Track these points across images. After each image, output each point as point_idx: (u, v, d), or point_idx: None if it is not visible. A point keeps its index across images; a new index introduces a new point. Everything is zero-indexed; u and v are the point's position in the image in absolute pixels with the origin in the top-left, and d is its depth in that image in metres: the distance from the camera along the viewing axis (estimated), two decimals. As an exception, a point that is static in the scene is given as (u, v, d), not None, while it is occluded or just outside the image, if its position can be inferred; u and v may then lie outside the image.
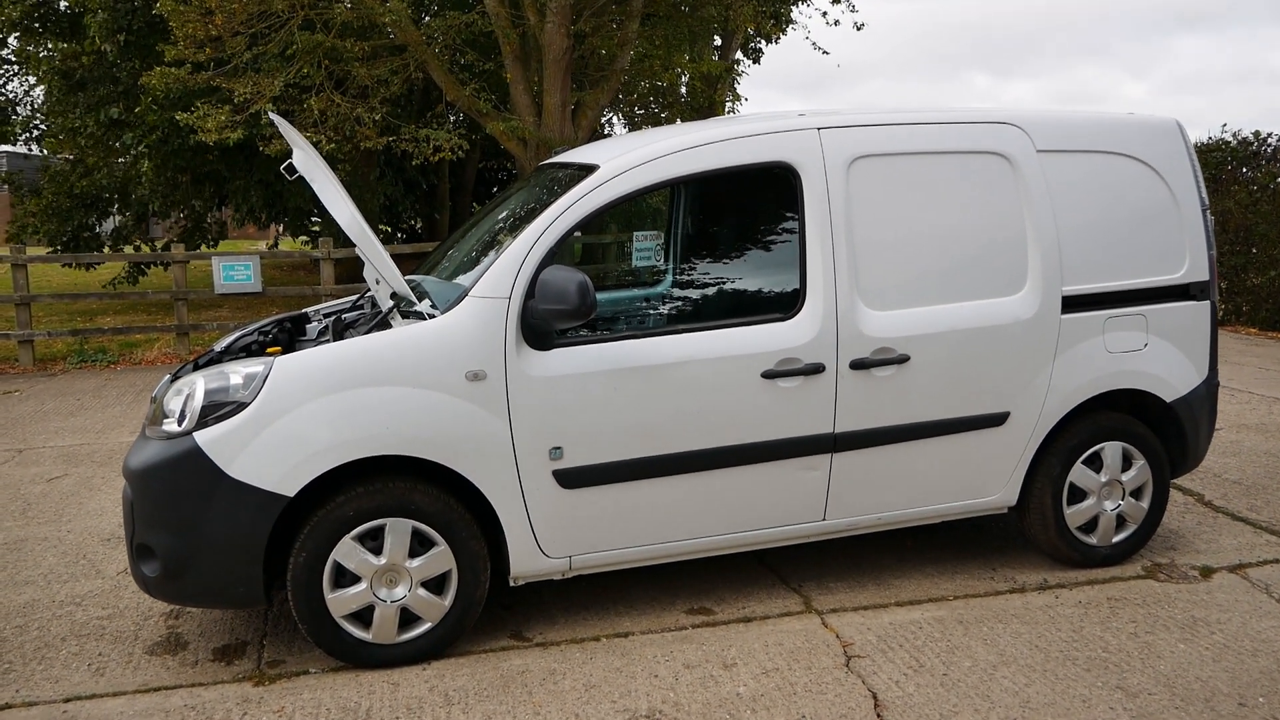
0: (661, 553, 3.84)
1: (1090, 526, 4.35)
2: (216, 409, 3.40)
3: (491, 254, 3.79)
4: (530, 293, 3.53)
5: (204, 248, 18.07)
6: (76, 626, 3.98)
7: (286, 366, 3.43)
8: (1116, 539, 4.39)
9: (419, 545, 3.55)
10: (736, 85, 17.18)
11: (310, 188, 4.08)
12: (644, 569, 4.15)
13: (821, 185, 3.87)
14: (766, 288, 3.91)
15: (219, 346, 4.58)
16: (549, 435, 3.58)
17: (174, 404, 3.55)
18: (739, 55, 16.83)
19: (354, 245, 3.75)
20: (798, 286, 3.85)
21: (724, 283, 3.87)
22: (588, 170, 3.78)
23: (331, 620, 3.49)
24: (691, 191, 3.78)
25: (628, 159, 3.74)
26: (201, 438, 3.37)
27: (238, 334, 4.69)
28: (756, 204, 3.92)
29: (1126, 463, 4.35)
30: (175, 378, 4.17)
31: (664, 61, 14.14)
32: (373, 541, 3.51)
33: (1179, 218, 4.37)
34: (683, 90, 17.24)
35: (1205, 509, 5.15)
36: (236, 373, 3.47)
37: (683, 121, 17.11)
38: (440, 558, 3.56)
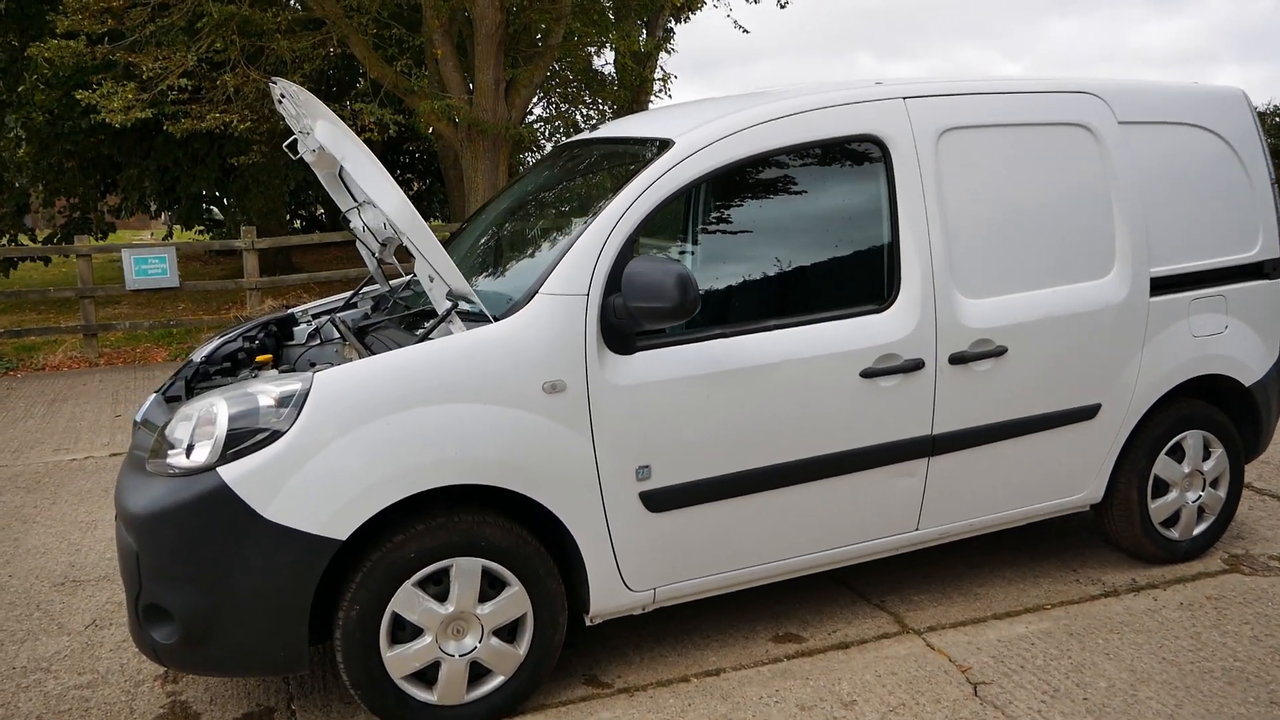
0: (749, 577, 3.41)
1: (1172, 520, 4.12)
2: (244, 438, 2.80)
3: (550, 245, 3.28)
4: (609, 288, 3.04)
5: (92, 240, 16.61)
6: (51, 701, 3.31)
7: (330, 384, 2.85)
8: (1196, 532, 4.18)
9: (489, 587, 3.03)
10: (664, 66, 16.74)
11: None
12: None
13: (912, 160, 3.48)
14: (858, 276, 3.51)
15: (198, 356, 3.93)
16: (635, 452, 3.10)
17: (182, 432, 2.92)
18: (670, 24, 16.38)
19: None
20: (890, 274, 3.47)
21: (813, 272, 3.45)
22: (660, 145, 3.29)
23: (391, 683, 2.94)
24: (773, 169, 3.35)
25: (706, 131, 3.27)
26: (229, 474, 2.77)
27: (217, 342, 4.05)
28: (842, 182, 3.52)
29: (1206, 452, 4.14)
30: (167, 397, 3.52)
31: (595, 38, 13.60)
32: (436, 586, 2.97)
33: (1251, 192, 4.16)
34: (610, 70, 16.72)
35: (1253, 494, 5.02)
36: (266, 393, 2.87)
37: (612, 104, 16.58)
38: (515, 600, 3.05)
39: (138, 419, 3.49)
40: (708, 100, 4.03)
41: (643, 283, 2.92)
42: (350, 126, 11.69)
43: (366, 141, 12.60)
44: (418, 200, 28.20)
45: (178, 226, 20.18)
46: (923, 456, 3.52)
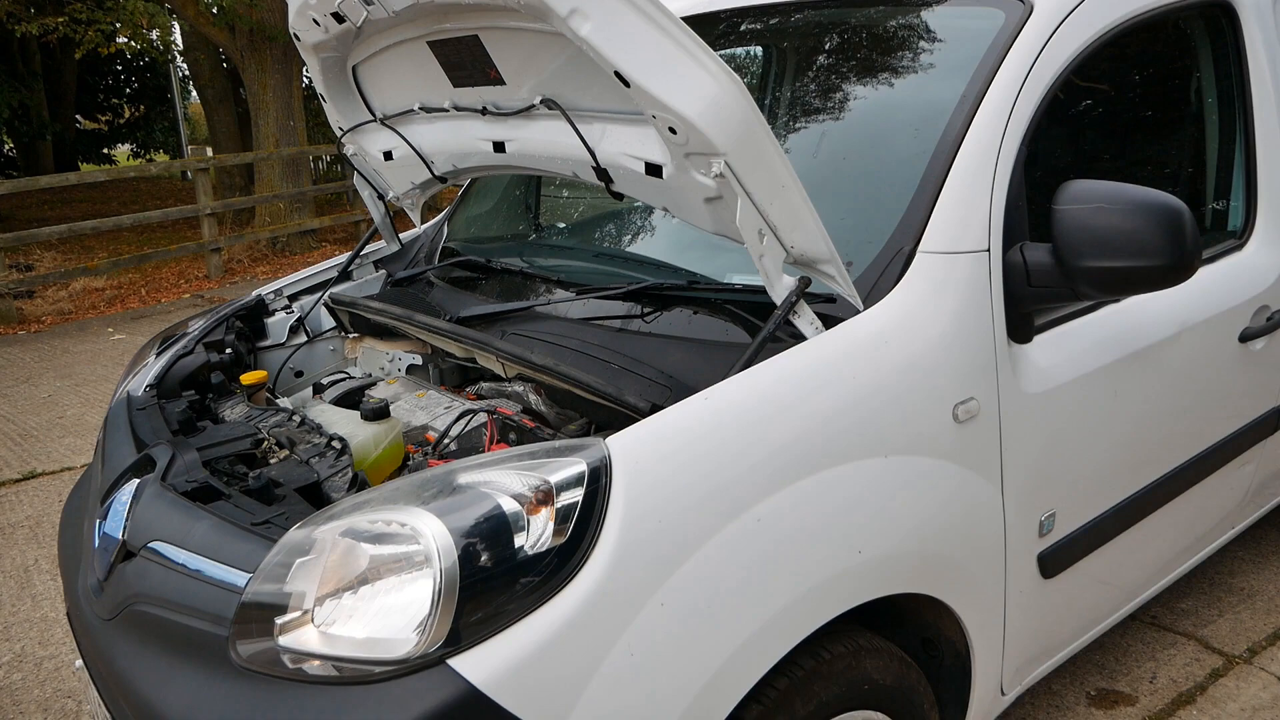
0: (1105, 626, 2.41)
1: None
2: (493, 589, 1.37)
3: (861, 174, 2.00)
4: (1011, 238, 1.84)
5: None
6: None
7: (640, 457, 1.46)
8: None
9: (863, 750, 1.81)
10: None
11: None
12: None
13: (1272, 34, 2.50)
14: (1204, 199, 2.51)
15: (139, 385, 2.31)
16: (1040, 495, 1.96)
17: (306, 574, 1.43)
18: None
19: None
20: (1241, 194, 2.50)
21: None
22: (1012, 8, 2.06)
23: None
24: (1113, 50, 2.25)
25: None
26: (476, 669, 1.33)
27: (169, 356, 2.45)
28: (1174, 68, 2.47)
29: None
30: (167, 481, 1.89)
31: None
32: (802, 775, 1.71)
33: None
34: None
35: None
36: (510, 482, 1.43)
37: None
38: (899, 765, 1.85)
39: (98, 539, 1.84)
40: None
41: (1103, 226, 1.74)
42: (91, 33, 8.97)
43: (90, 55, 9.90)
44: (132, 129, 23.91)
45: None
46: (1265, 437, 2.64)
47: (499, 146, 2.20)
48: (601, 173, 1.92)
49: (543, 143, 2.06)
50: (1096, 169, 2.28)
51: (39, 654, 3.16)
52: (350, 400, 2.54)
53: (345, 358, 2.87)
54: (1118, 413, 2.08)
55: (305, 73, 11.08)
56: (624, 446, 1.46)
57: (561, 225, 2.87)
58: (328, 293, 2.82)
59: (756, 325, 1.80)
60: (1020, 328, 1.88)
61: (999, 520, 1.86)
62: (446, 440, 1.99)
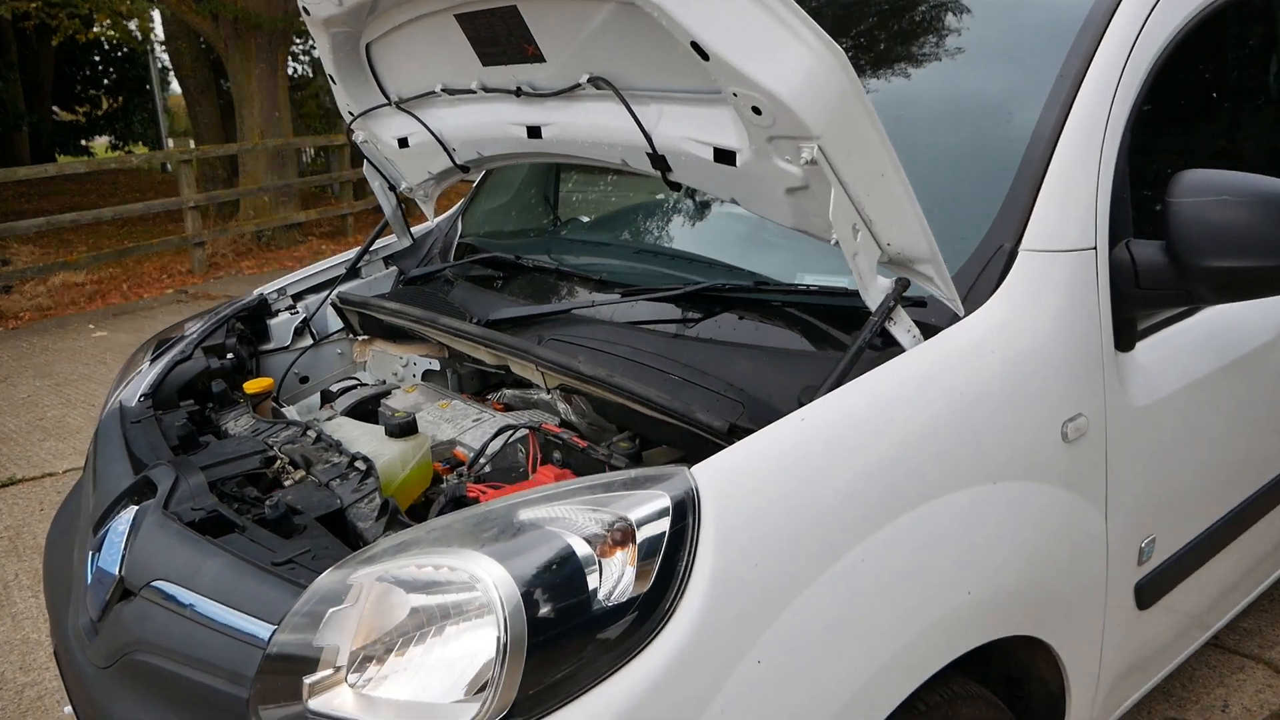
0: (1187, 655, 2.23)
1: None
2: (560, 649, 1.16)
3: (943, 162, 1.80)
4: (1115, 234, 1.65)
5: None
6: None
7: (730, 489, 1.26)
8: None
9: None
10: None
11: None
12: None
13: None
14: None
15: (133, 395, 2.09)
16: (1142, 520, 1.77)
17: (340, 626, 1.22)
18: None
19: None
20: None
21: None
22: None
23: None
24: (1213, 21, 2.05)
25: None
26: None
27: (165, 362, 2.23)
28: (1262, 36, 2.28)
29: None
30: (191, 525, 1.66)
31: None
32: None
33: None
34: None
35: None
36: (586, 524, 1.22)
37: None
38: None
39: (90, 573, 1.62)
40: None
41: (1226, 221, 1.55)
42: (40, 15, 8.64)
43: (67, 44, 9.57)
44: (110, 121, 23.44)
45: None
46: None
47: (534, 131, 1.98)
48: (658, 160, 1.72)
49: (587, 127, 1.84)
50: (1203, 157, 2.09)
51: (20, 680, 2.93)
52: (363, 410, 2.33)
53: (354, 362, 2.66)
54: (1217, 425, 1.90)
55: (292, 62, 10.79)
56: (712, 477, 1.26)
57: (591, 219, 2.66)
58: (335, 291, 2.60)
59: (837, 333, 1.61)
60: (1124, 334, 1.69)
61: (1103, 549, 1.68)
62: (483, 460, 1.78)
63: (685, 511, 1.23)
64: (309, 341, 2.58)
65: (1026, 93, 1.72)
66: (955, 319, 1.52)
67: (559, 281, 2.13)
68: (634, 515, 1.22)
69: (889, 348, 1.49)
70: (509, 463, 1.79)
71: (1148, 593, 1.84)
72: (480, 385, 2.47)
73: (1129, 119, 1.70)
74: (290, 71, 10.84)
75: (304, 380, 2.58)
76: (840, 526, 1.30)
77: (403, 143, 2.41)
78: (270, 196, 10.48)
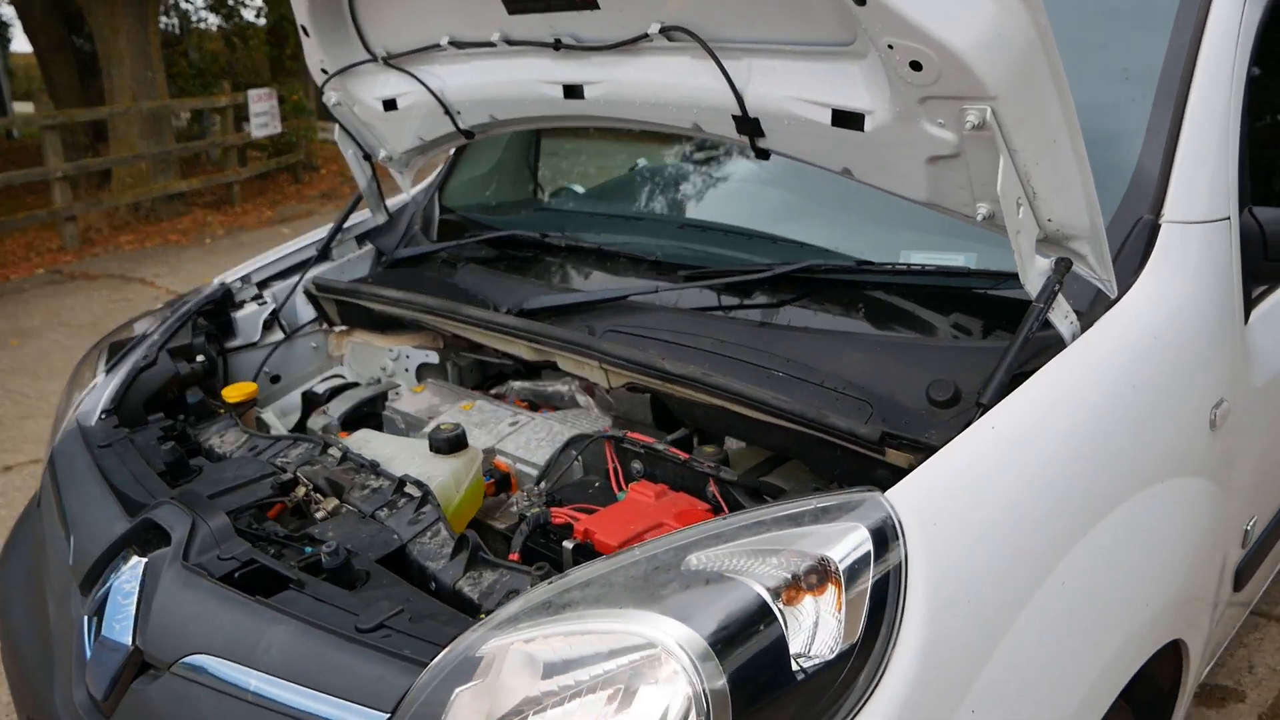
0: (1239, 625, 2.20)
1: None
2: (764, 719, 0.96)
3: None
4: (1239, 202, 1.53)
5: None
6: None
7: (935, 517, 1.07)
8: None
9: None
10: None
11: None
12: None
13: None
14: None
15: (93, 408, 1.78)
16: (1251, 502, 1.68)
17: (473, 709, 0.98)
18: None
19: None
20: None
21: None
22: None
23: None
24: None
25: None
26: None
27: (125, 368, 1.90)
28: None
29: None
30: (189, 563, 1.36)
31: None
32: None
33: None
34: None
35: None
36: (773, 571, 1.01)
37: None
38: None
39: (90, 644, 1.31)
40: None
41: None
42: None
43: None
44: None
45: None
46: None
47: (573, 91, 1.72)
48: (748, 124, 1.49)
49: (648, 85, 1.59)
50: None
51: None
52: (359, 413, 2.05)
53: (329, 356, 2.35)
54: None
55: (163, 15, 9.92)
56: (912, 503, 1.06)
57: (601, 189, 2.40)
58: (307, 277, 2.28)
59: (956, 318, 1.43)
60: (1246, 309, 1.58)
61: (1225, 537, 1.57)
62: (555, 479, 1.54)
63: (885, 544, 1.03)
64: (280, 335, 2.26)
65: (1145, 45, 1.57)
66: (1107, 301, 1.36)
67: (602, 263, 1.88)
68: (835, 553, 1.01)
69: (1041, 333, 1.32)
70: (579, 478, 1.56)
71: (1244, 574, 1.76)
72: (480, 378, 2.21)
73: (1247, 77, 1.57)
74: (163, 26, 9.97)
75: (275, 380, 2.26)
76: (1041, 549, 1.13)
77: (389, 105, 2.10)
78: (147, 164, 9.65)
